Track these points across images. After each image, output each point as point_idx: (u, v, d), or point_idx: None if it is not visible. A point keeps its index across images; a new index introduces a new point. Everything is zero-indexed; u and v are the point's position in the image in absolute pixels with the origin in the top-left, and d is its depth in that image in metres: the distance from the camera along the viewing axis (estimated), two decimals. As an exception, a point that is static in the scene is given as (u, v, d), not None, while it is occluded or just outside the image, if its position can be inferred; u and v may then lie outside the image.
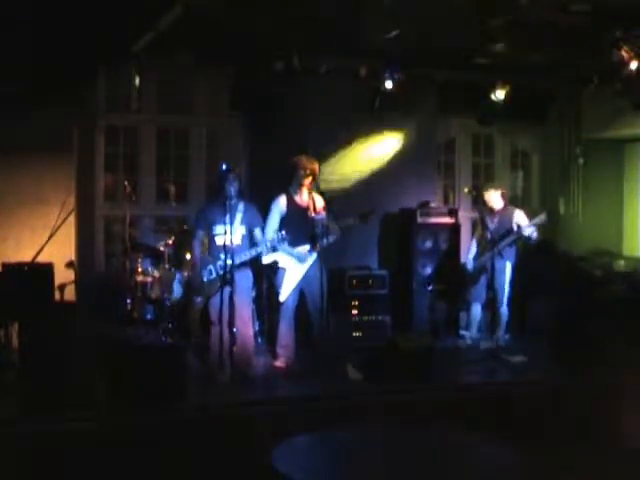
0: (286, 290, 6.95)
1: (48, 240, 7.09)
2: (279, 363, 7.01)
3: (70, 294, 7.42)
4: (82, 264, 8.09)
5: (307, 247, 6.96)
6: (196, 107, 9.08)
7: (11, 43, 6.96)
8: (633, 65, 7.31)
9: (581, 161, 10.15)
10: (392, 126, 9.01)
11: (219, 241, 6.51)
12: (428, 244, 8.88)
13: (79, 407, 5.34)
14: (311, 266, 6.97)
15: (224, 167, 6.59)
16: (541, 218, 7.85)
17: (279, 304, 7.04)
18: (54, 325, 5.67)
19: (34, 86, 7.43)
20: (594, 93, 9.28)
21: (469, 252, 8.25)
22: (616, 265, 9.62)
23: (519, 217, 7.96)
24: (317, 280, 6.86)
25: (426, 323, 8.62)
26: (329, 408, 5.92)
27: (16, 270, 6.74)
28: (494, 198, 8.08)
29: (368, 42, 7.64)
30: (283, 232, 6.53)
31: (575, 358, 6.93)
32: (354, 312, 8.10)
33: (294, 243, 6.84)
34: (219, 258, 6.44)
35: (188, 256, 7.62)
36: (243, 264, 6.51)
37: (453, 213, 9.04)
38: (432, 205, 9.05)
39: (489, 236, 7.77)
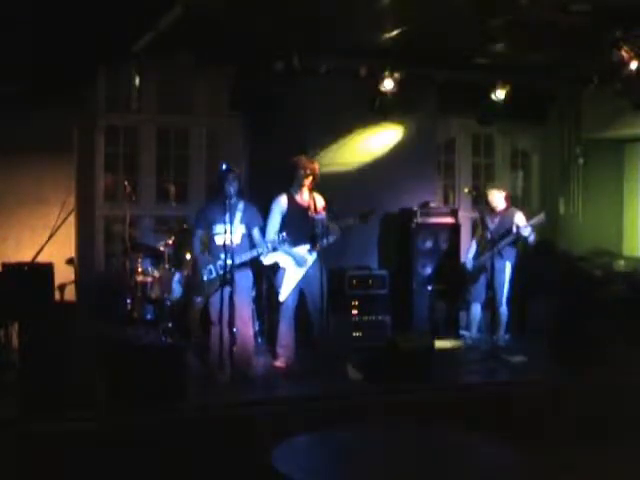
0: (286, 290, 6.95)
1: (48, 240, 7.09)
2: (279, 363, 7.01)
3: (70, 294, 7.43)
4: (82, 264, 8.10)
5: (307, 247, 6.96)
6: (196, 107, 9.09)
7: (11, 43, 6.96)
8: (633, 65, 7.31)
9: (581, 161, 10.15)
10: (392, 126, 9.01)
11: (219, 240, 6.51)
12: (428, 244, 8.88)
13: (79, 407, 5.34)
14: (311, 266, 6.97)
15: (224, 167, 6.59)
16: (540, 218, 7.85)
17: (279, 304, 7.04)
18: (54, 325, 5.67)
19: (34, 86, 7.43)
20: (594, 93, 9.28)
21: (469, 252, 8.25)
22: (616, 265, 9.62)
23: (519, 218, 7.96)
24: (317, 280, 6.86)
25: (426, 323, 8.62)
26: (329, 408, 5.92)
27: (16, 270, 6.74)
28: (497, 199, 8.08)
29: (368, 42, 7.64)
30: (284, 233, 6.53)
31: (575, 358, 6.92)
32: (354, 312, 8.10)
33: (294, 243, 6.84)
34: (219, 258, 6.44)
35: (188, 256, 7.63)
36: (243, 264, 6.51)
37: (453, 213, 9.04)
38: (432, 205, 9.04)
39: (489, 236, 7.77)
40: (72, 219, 7.82)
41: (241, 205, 6.61)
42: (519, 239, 7.90)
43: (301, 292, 7.05)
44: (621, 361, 7.29)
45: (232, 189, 6.47)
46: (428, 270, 8.83)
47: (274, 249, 6.64)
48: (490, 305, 7.82)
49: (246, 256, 6.50)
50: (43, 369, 5.46)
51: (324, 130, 8.52)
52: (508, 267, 7.94)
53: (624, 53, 7.22)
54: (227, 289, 6.25)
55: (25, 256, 7.19)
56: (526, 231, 7.73)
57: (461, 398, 6.34)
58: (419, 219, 8.79)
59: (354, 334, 8.02)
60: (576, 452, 5.71)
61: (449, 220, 8.97)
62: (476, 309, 8.15)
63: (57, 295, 7.05)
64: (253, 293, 7.26)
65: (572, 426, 6.06)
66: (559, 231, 10.24)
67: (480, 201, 8.92)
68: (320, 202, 7.13)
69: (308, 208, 7.05)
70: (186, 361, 6.07)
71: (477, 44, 7.82)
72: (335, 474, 3.82)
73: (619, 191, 10.16)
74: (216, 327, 6.35)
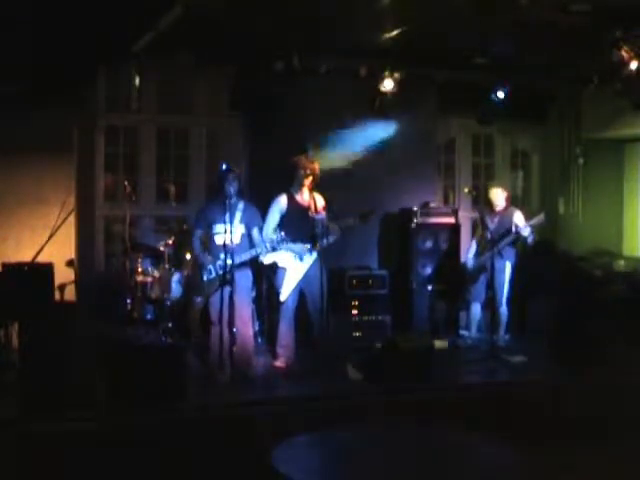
0: (287, 290, 6.95)
1: (48, 240, 7.09)
2: (279, 363, 7.01)
3: (70, 294, 7.43)
4: (82, 264, 8.10)
5: (307, 246, 6.96)
6: (196, 107, 9.08)
7: (11, 43, 6.96)
8: (633, 65, 7.31)
9: (581, 161, 10.15)
10: (392, 126, 9.01)
11: (219, 240, 6.51)
12: (428, 244, 8.88)
13: (79, 407, 5.34)
14: (311, 266, 6.97)
15: (224, 167, 6.59)
16: (539, 218, 7.85)
17: (279, 304, 7.04)
18: (54, 325, 5.67)
19: (34, 86, 7.43)
20: (594, 93, 9.28)
21: (469, 252, 8.26)
22: (616, 265, 9.63)
23: (518, 218, 7.97)
24: (317, 280, 6.86)
25: (426, 323, 8.62)
26: (329, 408, 5.92)
27: (16, 270, 6.74)
28: (499, 197, 8.07)
29: (368, 42, 7.64)
30: (282, 232, 6.53)
31: (575, 358, 6.93)
32: (354, 312, 8.10)
33: (294, 242, 6.83)
34: (219, 257, 6.44)
35: (188, 256, 7.63)
36: (243, 264, 6.51)
37: (453, 213, 9.04)
38: (432, 205, 9.05)
39: (489, 236, 7.78)
40: (72, 219, 7.82)
41: (241, 205, 6.62)
42: (519, 239, 7.91)
43: (301, 292, 7.05)
44: (621, 361, 7.29)
45: (232, 189, 6.47)
46: (428, 270, 8.83)
47: (273, 248, 6.64)
48: (490, 305, 7.83)
49: (245, 256, 6.50)
50: (43, 369, 5.46)
51: (324, 130, 8.52)
52: (508, 267, 7.95)
53: (624, 53, 7.22)
54: (227, 289, 6.25)
55: (25, 256, 7.19)
56: (526, 231, 7.73)
57: (461, 398, 6.34)
58: (419, 219, 8.80)
59: (354, 334, 8.02)
60: (576, 452, 5.71)
61: (449, 220, 8.97)
62: (476, 309, 8.16)
63: (57, 295, 7.05)
64: (253, 293, 7.26)
65: (572, 426, 6.05)
66: (559, 231, 10.24)
67: (480, 201, 8.93)
68: (320, 202, 7.13)
69: (308, 208, 7.05)
70: (186, 361, 6.07)
71: (477, 44, 7.82)
72: (335, 474, 3.82)
73: (619, 191, 10.16)
74: (216, 327, 6.35)
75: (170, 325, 7.43)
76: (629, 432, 6.04)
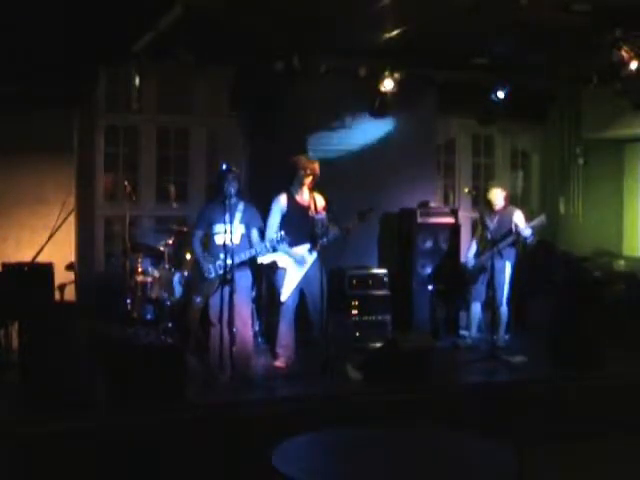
0: (287, 290, 6.95)
1: (48, 240, 7.10)
2: (279, 363, 7.01)
3: (70, 294, 7.43)
4: (82, 264, 8.10)
5: (307, 246, 6.96)
6: (196, 107, 9.08)
7: (11, 43, 6.96)
8: (633, 65, 7.32)
9: (581, 161, 10.15)
10: (392, 126, 9.01)
11: (219, 240, 6.51)
12: (428, 244, 8.88)
13: (79, 407, 5.34)
14: (311, 266, 6.97)
15: (224, 167, 6.58)
16: (541, 219, 7.85)
17: (279, 304, 7.04)
18: (54, 325, 5.67)
19: (34, 86, 7.42)
20: (594, 93, 9.29)
21: (469, 252, 8.26)
22: (616, 265, 9.63)
23: (518, 217, 7.97)
24: (317, 280, 6.86)
25: (426, 323, 8.61)
26: (329, 408, 5.92)
27: (16, 270, 6.74)
28: (498, 197, 8.07)
29: (368, 42, 7.64)
30: (282, 232, 6.53)
31: (575, 358, 6.92)
32: (354, 312, 8.10)
33: (294, 242, 6.84)
34: (218, 257, 6.44)
35: (188, 256, 7.62)
36: (243, 264, 6.51)
37: (453, 213, 9.04)
38: (432, 205, 9.05)
39: (489, 236, 7.77)
40: (72, 219, 7.82)
41: (241, 205, 6.61)
42: (519, 240, 7.90)
43: (301, 292, 7.05)
44: (621, 361, 7.30)
45: (232, 189, 6.46)
46: (428, 270, 8.83)
47: (273, 248, 6.64)
48: (490, 305, 7.82)
49: (245, 255, 6.49)
50: (43, 369, 5.46)
51: (324, 130, 8.52)
52: (508, 267, 7.95)
53: (624, 53, 7.22)
54: (227, 289, 6.25)
55: (25, 256, 7.19)
56: (527, 232, 7.73)
57: (461, 398, 6.34)
58: (419, 219, 8.79)
59: (354, 334, 8.02)
60: (576, 452, 5.71)
61: (449, 220, 8.97)
62: (476, 309, 8.15)
63: (57, 295, 7.05)
64: (253, 293, 7.26)
65: (572, 426, 6.06)
66: (559, 231, 10.24)
67: (480, 201, 8.93)
68: (320, 202, 7.13)
69: (308, 208, 7.05)
70: (186, 361, 6.07)
71: (477, 44, 7.82)
72: (335, 474, 3.82)
73: (619, 191, 10.16)
74: (216, 327, 6.35)
75: (170, 325, 7.42)
76: (629, 432, 6.04)
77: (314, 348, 7.02)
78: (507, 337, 8.13)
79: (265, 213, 6.92)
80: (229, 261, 6.27)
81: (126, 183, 7.83)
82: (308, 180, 7.01)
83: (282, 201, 6.99)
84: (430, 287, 8.74)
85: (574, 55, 8.06)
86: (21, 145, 7.77)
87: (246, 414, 5.70)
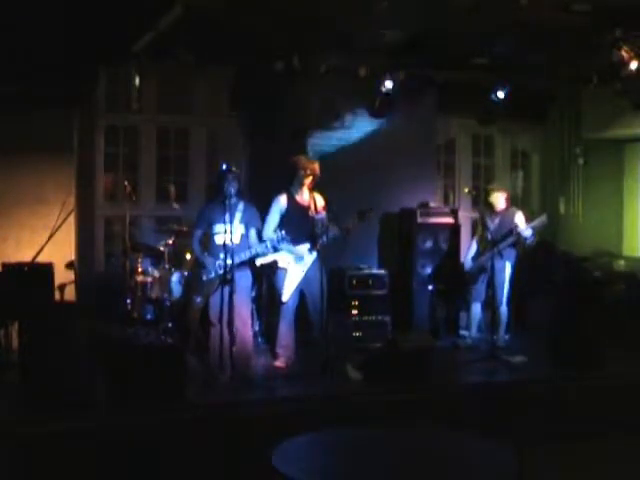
0: (288, 290, 6.94)
1: (48, 240, 7.09)
2: (279, 363, 7.01)
3: (70, 294, 7.43)
4: (82, 264, 8.10)
5: (307, 246, 6.96)
6: (196, 107, 9.09)
7: (11, 43, 6.97)
8: (633, 65, 7.32)
9: (581, 161, 10.16)
10: (392, 126, 9.01)
11: (219, 240, 6.50)
12: (428, 244, 8.88)
13: (79, 407, 5.34)
14: (311, 266, 6.96)
15: (224, 167, 6.58)
16: (541, 220, 7.84)
17: (279, 304, 7.04)
18: (54, 325, 5.67)
19: (34, 86, 7.42)
20: (594, 93, 9.29)
21: (469, 252, 8.25)
22: (616, 265, 9.63)
23: (519, 218, 7.96)
24: (317, 280, 6.86)
25: (426, 323, 8.62)
26: (329, 408, 5.92)
27: (16, 270, 6.74)
28: (499, 200, 8.07)
29: (368, 42, 7.64)
30: (283, 232, 6.53)
31: (575, 358, 6.92)
32: (354, 312, 8.09)
33: (294, 242, 6.83)
34: (218, 257, 6.44)
35: (188, 256, 7.63)
36: (242, 264, 6.51)
37: (453, 213, 9.04)
38: (432, 205, 9.05)
39: (489, 236, 7.77)
40: (72, 219, 7.82)
41: (241, 205, 6.61)
42: (520, 240, 7.90)
43: (301, 292, 7.05)
44: (621, 361, 7.30)
45: (232, 189, 6.46)
46: (428, 270, 8.83)
47: (273, 248, 6.64)
48: (490, 305, 7.82)
49: (245, 255, 6.49)
50: (43, 369, 5.46)
51: (324, 130, 8.51)
52: (508, 267, 7.94)
53: (624, 53, 7.23)
54: (227, 289, 6.25)
55: (25, 256, 7.19)
56: (528, 233, 7.73)
57: (461, 398, 6.34)
58: (419, 219, 8.79)
59: (354, 334, 8.02)
60: (576, 452, 5.71)
61: (449, 220, 8.97)
62: (476, 309, 8.15)
63: (57, 295, 7.05)
64: (253, 293, 7.26)
65: (572, 426, 6.06)
66: (559, 231, 10.24)
67: (480, 201, 8.93)
68: (320, 202, 7.13)
69: (308, 208, 7.04)
70: (186, 361, 6.07)
71: (477, 44, 7.82)
72: (335, 474, 3.82)
73: (619, 191, 10.17)
74: (216, 327, 6.35)
75: (170, 325, 7.43)
76: (629, 432, 6.04)
77: (314, 348, 7.02)
78: (507, 337, 8.13)
79: (265, 213, 6.92)
80: (229, 261, 6.27)
81: (126, 183, 7.83)
82: (308, 180, 7.00)
83: (282, 201, 6.99)
84: (430, 287, 8.74)
85: (574, 55, 8.06)
86: (21, 145, 7.77)
87: (246, 414, 5.70)
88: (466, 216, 9.74)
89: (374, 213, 7.67)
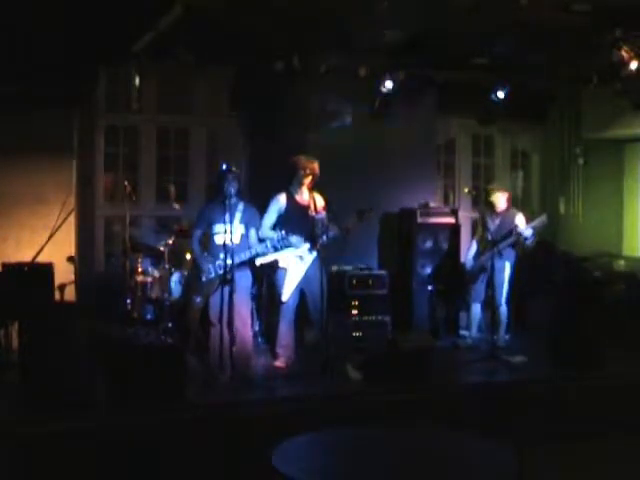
0: (288, 290, 6.94)
1: (48, 240, 7.09)
2: (279, 363, 7.01)
3: (70, 294, 7.43)
4: (82, 264, 8.10)
5: (307, 246, 6.95)
6: (196, 107, 9.09)
7: (11, 43, 6.97)
8: (633, 65, 7.32)
9: (581, 161, 10.16)
10: (392, 126, 9.01)
11: (219, 240, 6.50)
12: (428, 244, 8.88)
13: (79, 407, 5.34)
14: (311, 266, 6.96)
15: (224, 167, 6.58)
16: (541, 220, 7.83)
17: (280, 304, 7.04)
18: (54, 325, 5.67)
19: (34, 86, 7.43)
20: (594, 93, 9.29)
21: (469, 252, 8.25)
22: (616, 265, 9.63)
23: (519, 220, 7.96)
24: (317, 280, 6.85)
25: (426, 323, 8.61)
26: (329, 408, 5.92)
27: (16, 270, 6.74)
28: (500, 200, 8.06)
29: (368, 42, 7.64)
30: (283, 232, 6.53)
31: (575, 358, 6.92)
32: (354, 312, 8.09)
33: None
34: (218, 257, 6.44)
35: (188, 256, 7.62)
36: (242, 264, 6.51)
37: (453, 213, 9.04)
38: (432, 205, 9.04)
39: (489, 237, 7.77)
40: (72, 219, 7.82)
41: (241, 205, 6.61)
42: (520, 241, 7.90)
43: (301, 292, 7.05)
44: (621, 361, 7.30)
45: (232, 189, 6.46)
46: (428, 270, 8.83)
47: (274, 247, 6.63)
48: (490, 305, 7.82)
49: (245, 255, 6.49)
50: (43, 369, 5.46)
51: (324, 130, 8.52)
52: (508, 267, 7.94)
53: (624, 53, 7.23)
54: (227, 289, 6.25)
55: (25, 256, 7.19)
56: (528, 233, 7.72)
57: (461, 398, 6.34)
58: (419, 219, 8.79)
59: (354, 334, 8.01)
60: (576, 452, 5.71)
61: (449, 220, 8.97)
62: (476, 309, 8.15)
63: (57, 295, 7.05)
64: (253, 293, 7.26)
65: (572, 426, 6.06)
66: (559, 231, 10.24)
67: (480, 201, 8.93)
68: (320, 202, 7.13)
69: (308, 207, 7.04)
70: (186, 361, 6.07)
71: (477, 44, 7.82)
72: (335, 474, 3.82)
73: (619, 191, 10.17)
74: (216, 327, 6.35)
75: (170, 325, 7.43)
76: (629, 432, 6.04)
77: (314, 348, 7.01)
78: (507, 337, 8.13)
79: (264, 213, 6.92)
80: (229, 261, 6.27)
81: (126, 183, 7.83)
82: (307, 180, 7.01)
83: (281, 201, 6.99)
84: (430, 287, 8.74)
85: (574, 55, 8.06)
86: (21, 145, 7.78)
87: (246, 414, 5.70)
88: (466, 216, 9.74)
89: (374, 213, 7.68)
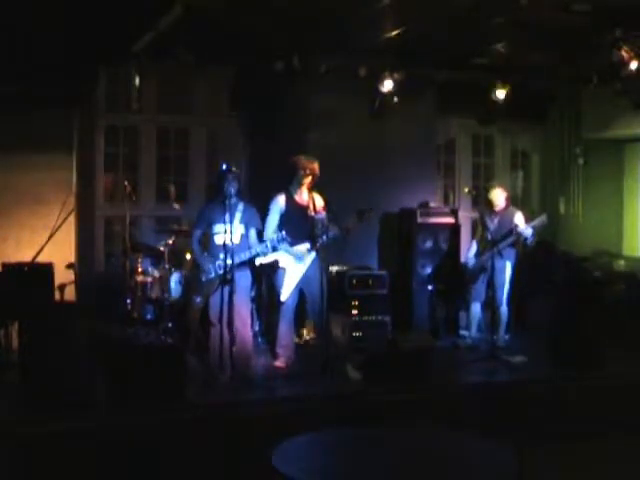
0: (287, 290, 6.94)
1: (48, 240, 7.09)
2: (279, 363, 7.01)
3: (70, 294, 7.43)
4: (82, 264, 8.10)
5: (307, 246, 6.95)
6: (196, 107, 9.09)
7: (11, 43, 6.97)
8: (633, 65, 7.32)
9: (581, 161, 10.16)
10: (392, 126, 9.01)
11: (219, 240, 6.50)
12: (428, 244, 8.87)
13: (79, 407, 5.34)
14: (311, 266, 6.96)
15: (224, 167, 6.58)
16: (541, 220, 7.83)
17: (279, 304, 7.04)
18: (54, 325, 5.67)
19: (34, 86, 7.43)
20: (594, 93, 9.29)
21: (469, 252, 8.25)
22: (616, 265, 9.63)
23: (518, 218, 7.96)
24: (317, 280, 6.85)
25: (426, 323, 8.61)
26: (329, 408, 5.92)
27: (16, 270, 6.74)
28: (499, 197, 8.06)
29: (368, 42, 7.64)
30: (283, 232, 6.53)
31: (575, 358, 6.92)
32: (354, 312, 8.09)
33: (294, 242, 6.83)
34: (218, 257, 6.44)
35: (188, 256, 7.62)
36: (242, 264, 6.50)
37: (453, 213, 9.04)
38: (432, 205, 9.05)
39: (489, 236, 7.77)
40: (72, 219, 7.82)
41: (241, 205, 6.60)
42: (520, 240, 7.90)
43: (301, 292, 7.05)
44: (621, 361, 7.29)
45: (232, 189, 6.46)
46: (428, 270, 8.83)
47: (273, 248, 6.63)
48: (490, 305, 7.82)
49: (245, 256, 6.49)
50: (43, 369, 5.46)
51: (324, 130, 8.52)
52: (508, 267, 7.94)
53: (624, 53, 7.23)
54: (227, 289, 6.25)
55: (25, 256, 7.19)
56: (528, 232, 7.72)
57: (461, 398, 6.34)
58: (419, 219, 8.79)
59: (354, 334, 8.01)
60: (576, 452, 5.71)
61: (449, 220, 8.96)
62: (476, 309, 8.15)
63: (57, 295, 7.05)
64: (253, 293, 7.25)
65: (572, 426, 6.06)
66: (559, 231, 10.24)
67: (480, 201, 8.93)
68: (319, 202, 7.12)
69: (307, 208, 7.04)
70: (186, 361, 6.07)
71: (477, 44, 7.82)
72: (335, 474, 3.82)
73: (619, 191, 10.17)
74: (216, 327, 6.35)
75: (170, 325, 7.43)
76: (629, 432, 6.04)
77: (314, 348, 7.01)
78: (507, 337, 8.13)
79: (265, 213, 6.92)
80: (229, 261, 6.27)
81: (126, 183, 7.83)
82: (307, 180, 7.00)
83: (280, 201, 6.99)
84: (430, 287, 8.74)
85: (574, 55, 8.06)
86: (21, 145, 7.78)
87: (246, 414, 5.70)
88: (466, 216, 9.74)
89: (374, 213, 7.67)
